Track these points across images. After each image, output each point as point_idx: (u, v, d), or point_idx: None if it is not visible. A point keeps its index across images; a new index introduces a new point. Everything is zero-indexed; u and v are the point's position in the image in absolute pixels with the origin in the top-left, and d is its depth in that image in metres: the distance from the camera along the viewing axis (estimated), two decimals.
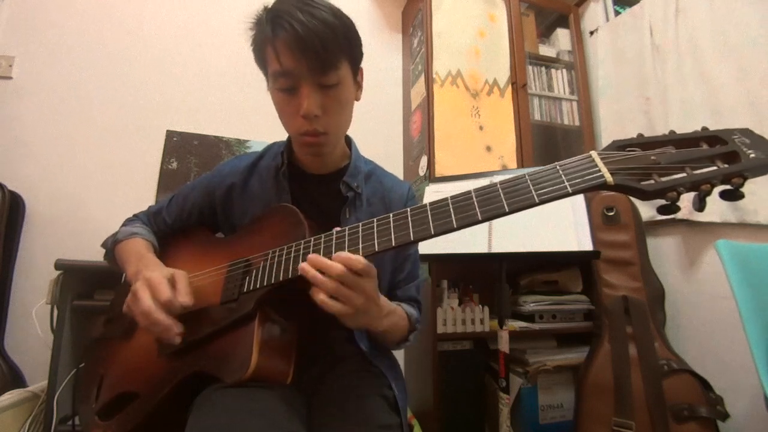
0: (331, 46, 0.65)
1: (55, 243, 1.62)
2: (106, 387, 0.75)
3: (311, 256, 0.57)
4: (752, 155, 0.44)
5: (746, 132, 0.47)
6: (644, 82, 1.79)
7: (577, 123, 2.12)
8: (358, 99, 0.79)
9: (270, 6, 0.69)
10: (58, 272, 1.33)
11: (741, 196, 0.44)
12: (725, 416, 1.28)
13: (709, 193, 0.45)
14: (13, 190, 1.57)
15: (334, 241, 0.61)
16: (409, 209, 0.58)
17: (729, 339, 1.42)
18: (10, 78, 1.69)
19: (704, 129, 0.50)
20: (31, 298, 1.50)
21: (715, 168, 0.45)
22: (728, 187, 0.45)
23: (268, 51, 0.68)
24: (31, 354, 1.49)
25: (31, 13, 1.76)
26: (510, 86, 1.94)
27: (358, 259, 0.55)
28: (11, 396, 1.28)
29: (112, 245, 0.84)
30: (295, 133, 0.73)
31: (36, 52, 1.74)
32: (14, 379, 1.44)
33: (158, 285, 0.62)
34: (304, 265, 0.57)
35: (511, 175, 0.54)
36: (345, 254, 0.56)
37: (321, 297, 0.55)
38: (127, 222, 0.89)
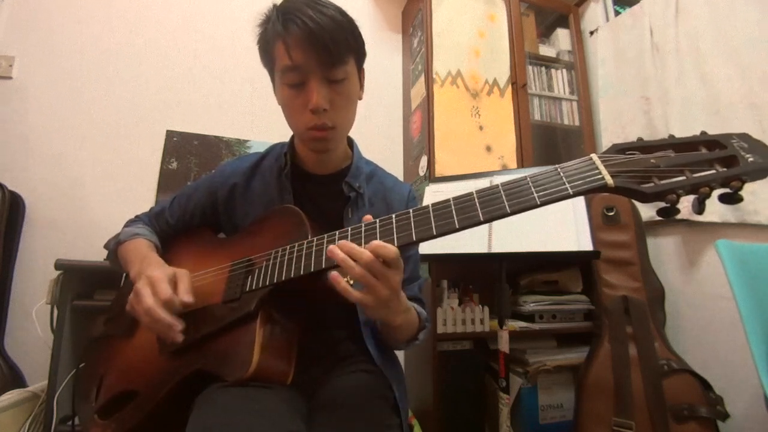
0: (339, 42, 0.68)
1: (55, 243, 1.62)
2: (105, 386, 0.75)
3: (342, 241, 0.57)
4: (750, 159, 0.45)
5: (745, 137, 0.48)
6: (644, 82, 1.79)
7: (577, 123, 2.12)
8: (360, 98, 0.80)
9: (279, 4, 0.70)
10: (58, 272, 1.33)
11: (740, 200, 0.45)
12: (725, 416, 1.28)
13: (708, 195, 0.45)
14: (13, 190, 1.57)
15: (336, 242, 0.61)
16: (411, 210, 0.58)
17: (729, 339, 1.42)
18: (10, 78, 1.69)
19: (703, 133, 0.50)
20: (31, 298, 1.50)
21: (714, 171, 0.46)
22: (727, 190, 0.45)
23: (278, 47, 0.69)
24: (31, 354, 1.49)
25: (31, 13, 1.76)
26: (510, 86, 1.94)
27: (391, 248, 0.55)
28: (11, 396, 1.28)
29: (114, 246, 0.84)
30: (303, 128, 0.73)
31: (36, 52, 1.74)
32: (14, 379, 1.44)
33: (159, 283, 0.63)
34: (333, 248, 0.56)
35: (511, 176, 0.55)
36: (378, 242, 0.55)
37: (343, 285, 0.55)
38: (129, 223, 0.89)
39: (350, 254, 0.55)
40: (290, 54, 0.67)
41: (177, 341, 0.62)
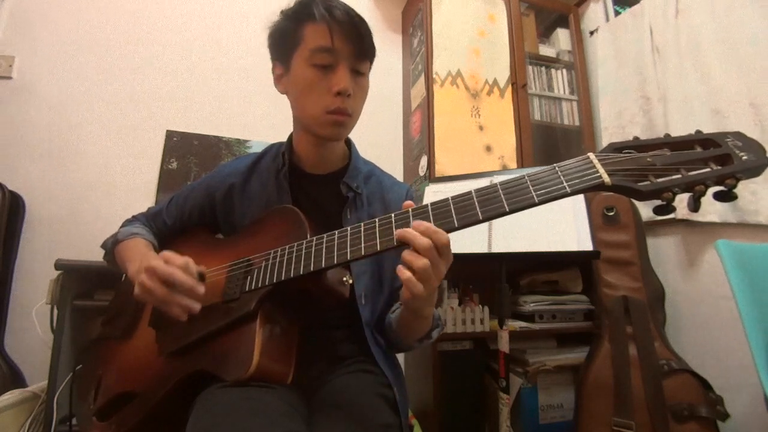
0: (369, 40, 0.76)
1: (55, 243, 1.62)
2: (104, 388, 0.75)
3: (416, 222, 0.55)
4: (744, 157, 0.45)
5: (738, 135, 0.49)
6: (644, 82, 1.79)
7: (577, 123, 2.12)
8: None
9: None
10: (58, 272, 1.33)
11: (734, 197, 0.45)
12: (725, 416, 1.28)
13: (703, 193, 0.46)
14: (13, 190, 1.57)
15: (336, 241, 0.61)
16: (410, 209, 0.58)
17: (729, 339, 1.42)
18: (10, 78, 1.69)
19: (698, 132, 0.51)
20: (31, 298, 1.50)
21: (708, 170, 0.46)
22: (722, 188, 0.46)
23: (315, 27, 0.72)
24: (31, 354, 1.49)
25: (31, 13, 1.76)
26: (510, 86, 1.94)
27: (444, 234, 0.54)
28: (11, 396, 1.28)
29: (112, 245, 0.84)
30: (323, 110, 0.74)
31: (36, 52, 1.74)
32: (14, 379, 1.44)
33: (172, 256, 0.64)
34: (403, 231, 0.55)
35: (511, 176, 0.55)
36: (431, 225, 0.54)
37: (407, 275, 0.54)
38: (127, 223, 0.90)
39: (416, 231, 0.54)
40: (332, 36, 0.71)
41: (195, 310, 0.62)
